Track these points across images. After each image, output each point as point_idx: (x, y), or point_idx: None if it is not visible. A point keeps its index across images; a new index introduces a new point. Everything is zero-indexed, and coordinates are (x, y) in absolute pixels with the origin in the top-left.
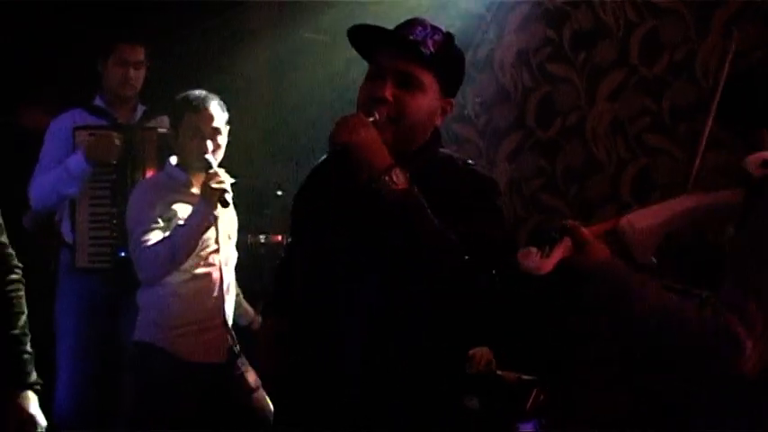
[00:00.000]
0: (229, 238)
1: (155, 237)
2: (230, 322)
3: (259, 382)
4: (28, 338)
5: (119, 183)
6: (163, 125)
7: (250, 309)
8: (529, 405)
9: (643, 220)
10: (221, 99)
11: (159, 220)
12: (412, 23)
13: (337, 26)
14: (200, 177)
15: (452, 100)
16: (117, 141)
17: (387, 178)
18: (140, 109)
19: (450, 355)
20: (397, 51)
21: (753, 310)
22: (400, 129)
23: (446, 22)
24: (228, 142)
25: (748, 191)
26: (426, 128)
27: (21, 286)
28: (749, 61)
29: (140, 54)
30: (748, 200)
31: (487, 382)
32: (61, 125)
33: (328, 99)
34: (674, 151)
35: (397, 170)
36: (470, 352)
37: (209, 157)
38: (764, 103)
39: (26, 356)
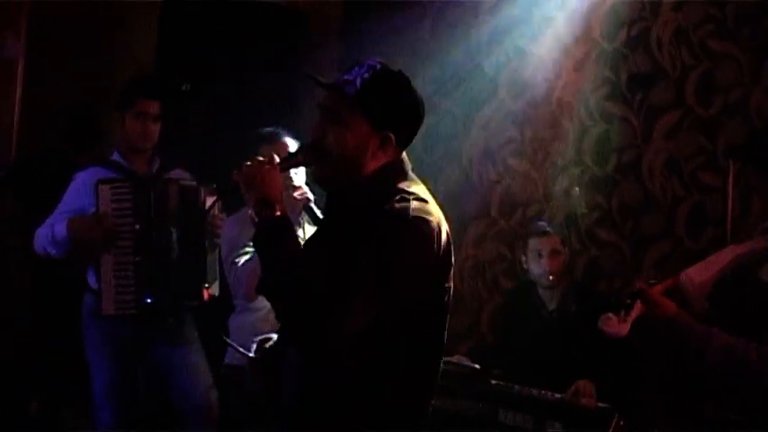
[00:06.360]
0: None
1: (246, 257)
2: None
3: None
4: None
5: (142, 233)
6: (183, 178)
7: None
8: (611, 430)
9: (699, 275)
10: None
11: (248, 246)
12: (353, 65)
13: None
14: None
15: (391, 134)
16: (99, 225)
17: (257, 209)
18: (155, 161)
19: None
20: (327, 92)
21: None
22: (325, 160)
23: (501, 59)
24: None
25: None
26: (359, 160)
27: None
28: None
29: (157, 108)
30: None
31: (569, 408)
32: (82, 179)
33: None
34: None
35: (270, 204)
36: (575, 384)
37: (292, 175)
38: None
39: None
